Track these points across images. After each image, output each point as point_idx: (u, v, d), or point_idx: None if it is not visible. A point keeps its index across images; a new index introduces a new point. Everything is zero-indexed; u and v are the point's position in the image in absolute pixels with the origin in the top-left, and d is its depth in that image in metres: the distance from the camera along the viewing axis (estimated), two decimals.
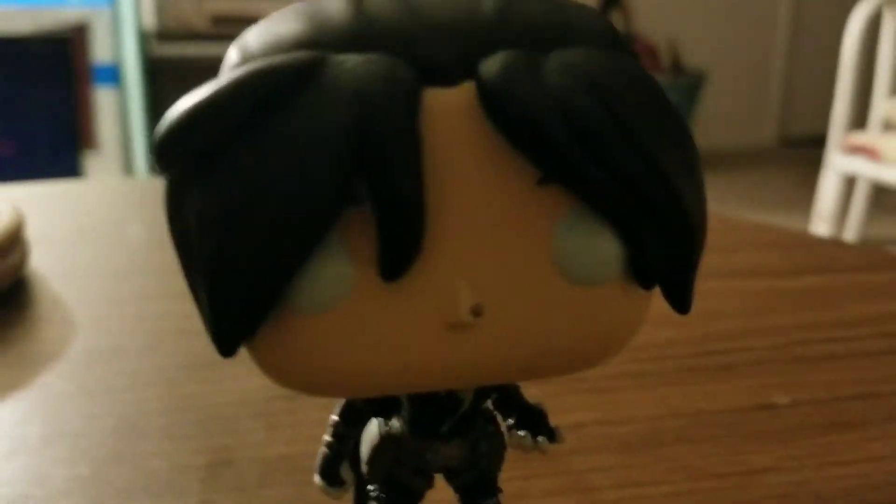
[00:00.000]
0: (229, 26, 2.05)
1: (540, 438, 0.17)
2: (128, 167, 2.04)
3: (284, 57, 0.12)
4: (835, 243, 0.52)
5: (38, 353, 0.33)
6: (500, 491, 0.17)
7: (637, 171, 0.12)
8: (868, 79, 1.45)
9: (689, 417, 0.26)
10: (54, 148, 1.95)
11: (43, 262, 0.42)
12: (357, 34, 0.12)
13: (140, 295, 0.39)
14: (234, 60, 0.13)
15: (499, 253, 0.13)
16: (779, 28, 2.62)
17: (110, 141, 2.01)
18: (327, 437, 0.17)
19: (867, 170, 1.37)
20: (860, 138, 1.40)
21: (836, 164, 1.43)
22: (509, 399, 0.17)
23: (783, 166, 2.36)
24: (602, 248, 0.13)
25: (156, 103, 2.04)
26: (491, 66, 0.12)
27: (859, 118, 1.46)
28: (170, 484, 0.23)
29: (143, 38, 2.02)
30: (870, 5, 1.39)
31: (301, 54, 0.12)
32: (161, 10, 2.04)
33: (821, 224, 1.44)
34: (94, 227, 0.52)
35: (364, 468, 0.17)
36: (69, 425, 0.27)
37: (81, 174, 1.95)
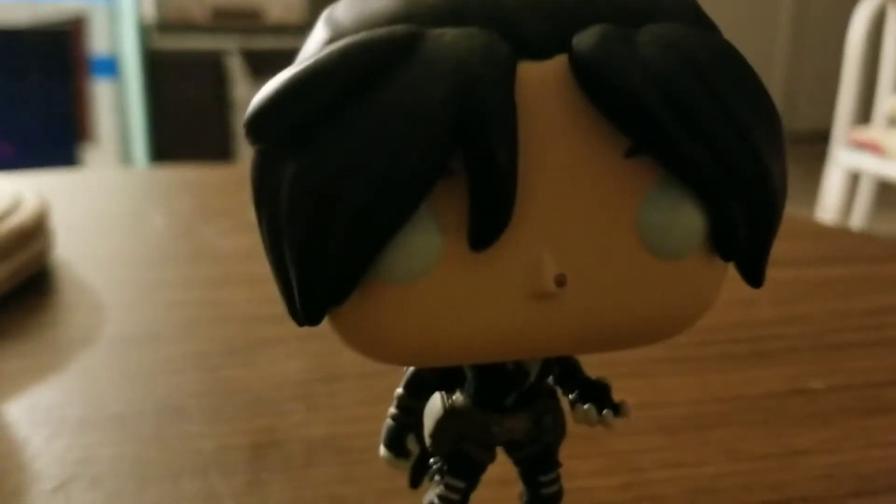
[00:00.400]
0: (230, 19, 2.05)
1: (605, 412, 0.17)
2: (126, 160, 2.03)
3: (383, 31, 0.12)
4: (856, 234, 0.52)
5: (70, 339, 0.33)
6: (560, 465, 0.18)
7: (729, 143, 0.12)
8: (872, 74, 1.45)
9: (728, 402, 0.27)
10: (52, 140, 1.94)
11: (67, 249, 0.42)
12: (450, 9, 0.13)
13: (166, 283, 0.39)
14: (324, 37, 0.13)
15: (584, 224, 0.13)
16: (782, 23, 2.62)
17: (108, 133, 2.00)
18: (392, 409, 0.17)
19: (872, 165, 1.38)
20: (865, 134, 1.40)
21: (841, 159, 1.43)
22: (571, 374, 0.17)
23: (787, 161, 2.36)
24: (687, 222, 0.13)
25: (155, 96, 2.04)
26: (585, 38, 0.12)
27: (863, 114, 1.46)
28: (216, 464, 0.24)
29: (143, 31, 2.02)
30: (874, 0, 1.40)
31: (400, 28, 0.12)
32: (161, 2, 2.03)
33: (826, 219, 1.45)
34: (112, 215, 0.52)
35: (428, 441, 0.17)
36: (109, 408, 0.27)
37: (79, 166, 1.94)
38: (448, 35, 0.12)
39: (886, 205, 1.57)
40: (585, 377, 0.17)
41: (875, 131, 1.42)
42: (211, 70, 2.04)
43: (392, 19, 0.12)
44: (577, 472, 0.23)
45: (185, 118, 2.03)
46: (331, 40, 0.13)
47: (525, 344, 0.14)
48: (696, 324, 0.14)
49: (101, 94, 1.99)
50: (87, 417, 0.26)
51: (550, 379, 0.17)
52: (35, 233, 0.38)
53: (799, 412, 0.26)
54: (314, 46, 0.13)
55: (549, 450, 0.17)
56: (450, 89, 0.12)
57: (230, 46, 2.02)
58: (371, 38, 0.12)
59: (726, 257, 0.14)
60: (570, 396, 0.17)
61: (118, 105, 2.01)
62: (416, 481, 0.20)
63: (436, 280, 0.13)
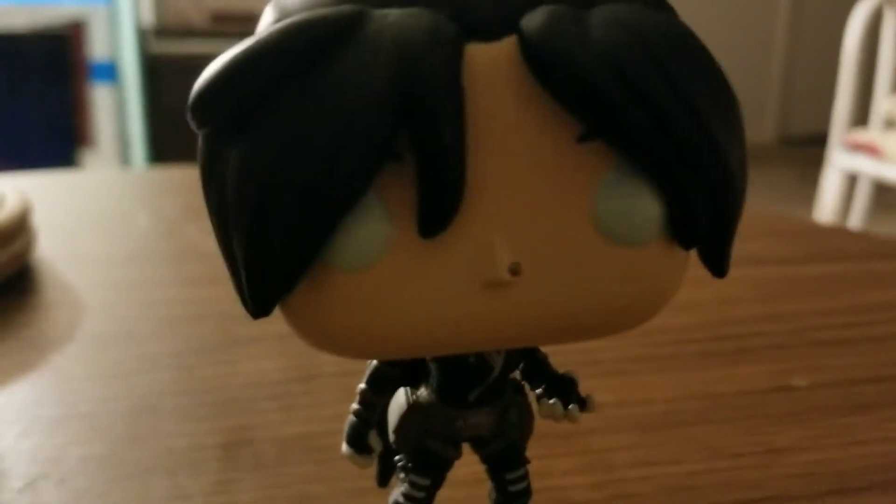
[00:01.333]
0: (229, 24, 2.05)
1: (571, 406, 0.16)
2: (125, 164, 2.03)
3: (326, 10, 0.12)
4: (843, 232, 0.52)
5: (48, 337, 0.32)
6: (528, 462, 0.17)
7: (683, 126, 0.12)
8: (869, 76, 1.45)
9: (707, 399, 0.26)
10: (51, 145, 1.94)
11: (49, 249, 0.42)
12: None
13: (148, 282, 0.39)
14: (270, 18, 0.13)
15: (538, 211, 0.13)
16: (778, 26, 2.62)
17: (107, 138, 2.00)
18: (355, 406, 0.17)
19: (869, 167, 1.37)
20: (862, 136, 1.40)
21: (838, 161, 1.43)
22: (537, 368, 0.17)
23: (783, 165, 2.36)
24: (643, 207, 0.13)
25: (154, 101, 2.04)
26: (534, 19, 0.12)
27: (860, 116, 1.46)
28: (187, 463, 0.23)
29: (142, 35, 2.02)
30: (870, 2, 1.39)
31: (343, 8, 0.12)
32: (160, 6, 2.03)
33: (824, 221, 1.44)
34: (98, 216, 0.52)
35: (392, 437, 0.17)
36: (82, 406, 0.27)
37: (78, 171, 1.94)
38: (393, 15, 0.12)
39: (884, 206, 1.57)
40: (552, 371, 0.17)
41: (872, 133, 1.42)
42: None
43: (338, 0, 0.12)
44: (551, 470, 0.22)
45: (184, 123, 1.99)
46: (276, 21, 0.13)
47: (480, 335, 0.13)
48: (656, 314, 0.14)
49: (101, 98, 1.99)
50: (59, 416, 0.26)
51: (518, 374, 0.17)
52: (16, 232, 0.38)
53: (780, 409, 0.26)
54: (260, 29, 0.13)
55: (516, 446, 0.17)
56: (393, 70, 0.11)
57: None
58: (314, 17, 0.12)
59: (686, 245, 0.13)
60: (537, 391, 0.17)
61: (117, 110, 2.01)
62: (383, 480, 0.19)
63: (386, 268, 0.13)
